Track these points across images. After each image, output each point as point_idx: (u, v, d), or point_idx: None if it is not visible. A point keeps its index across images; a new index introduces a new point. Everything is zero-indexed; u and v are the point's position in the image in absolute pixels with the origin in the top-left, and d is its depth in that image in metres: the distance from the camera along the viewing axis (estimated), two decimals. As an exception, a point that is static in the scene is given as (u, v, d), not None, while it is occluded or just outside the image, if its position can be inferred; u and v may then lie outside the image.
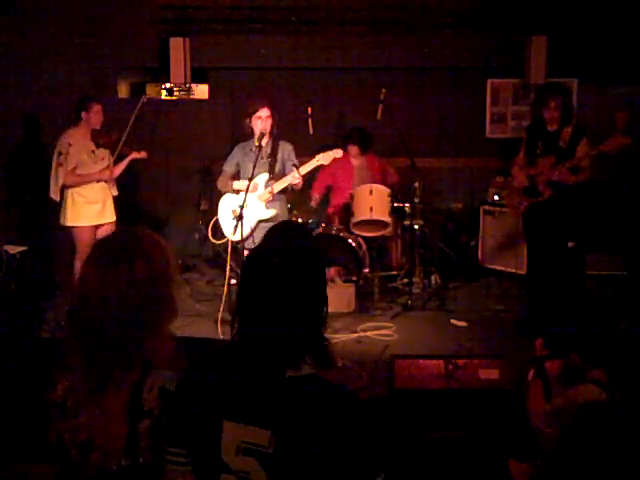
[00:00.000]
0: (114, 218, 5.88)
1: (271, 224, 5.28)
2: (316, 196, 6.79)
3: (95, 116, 5.74)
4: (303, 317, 1.64)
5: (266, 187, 5.26)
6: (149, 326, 1.84)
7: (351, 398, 1.64)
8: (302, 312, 1.64)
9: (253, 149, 5.24)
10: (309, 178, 5.73)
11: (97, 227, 5.76)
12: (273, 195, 5.27)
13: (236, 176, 5.46)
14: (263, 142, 5.15)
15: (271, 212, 5.30)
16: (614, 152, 5.18)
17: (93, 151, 5.78)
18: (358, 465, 1.57)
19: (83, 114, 5.74)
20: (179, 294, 1.69)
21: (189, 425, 1.65)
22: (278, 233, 1.82)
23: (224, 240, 5.49)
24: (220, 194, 5.51)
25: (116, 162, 5.90)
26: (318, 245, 1.68)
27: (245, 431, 1.59)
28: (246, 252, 5.18)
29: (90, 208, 5.78)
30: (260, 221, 5.29)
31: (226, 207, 5.41)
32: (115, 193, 5.98)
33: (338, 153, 5.40)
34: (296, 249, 1.71)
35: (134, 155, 5.91)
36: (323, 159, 5.31)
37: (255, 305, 1.64)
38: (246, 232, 5.18)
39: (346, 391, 1.66)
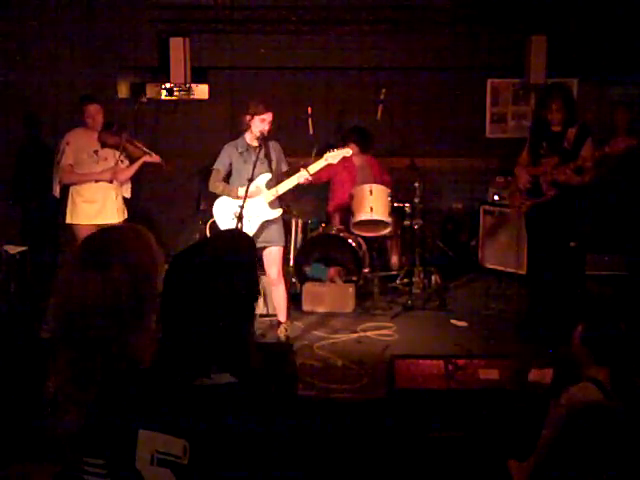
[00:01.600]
0: (118, 219, 5.76)
1: (271, 223, 5.35)
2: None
3: (90, 118, 5.71)
4: (222, 323, 1.58)
5: (268, 187, 5.24)
6: (132, 324, 1.84)
7: (266, 410, 1.57)
8: (221, 317, 1.58)
9: (250, 150, 5.23)
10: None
11: (98, 227, 5.71)
12: (277, 196, 5.27)
13: (227, 176, 5.39)
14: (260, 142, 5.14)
15: (276, 212, 5.29)
16: (620, 153, 5.18)
17: (96, 151, 5.75)
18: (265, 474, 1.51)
19: (81, 116, 5.74)
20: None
21: (106, 435, 1.61)
22: (219, 240, 1.79)
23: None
24: (216, 195, 5.46)
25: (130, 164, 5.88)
26: (254, 255, 1.61)
27: (160, 440, 1.55)
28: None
29: (88, 207, 5.76)
30: (265, 221, 5.28)
31: (224, 207, 5.37)
32: (127, 195, 5.96)
33: (347, 152, 5.36)
34: (223, 251, 1.66)
35: (146, 158, 5.83)
36: (332, 158, 5.27)
37: (175, 309, 1.61)
38: (250, 233, 5.17)
39: (262, 403, 1.59)
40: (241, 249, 1.72)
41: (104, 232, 1.98)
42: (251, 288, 1.68)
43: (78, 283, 1.83)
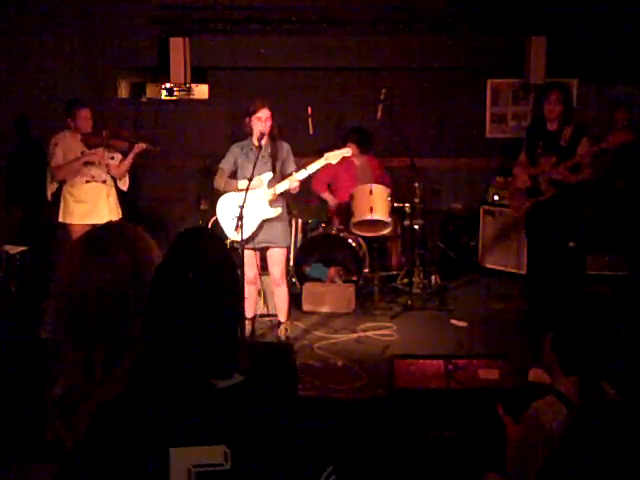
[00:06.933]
0: (109, 219, 5.74)
1: (275, 223, 5.34)
2: (325, 194, 6.83)
3: (82, 122, 5.74)
4: (219, 329, 1.58)
5: (270, 186, 5.24)
6: (136, 310, 1.84)
7: (286, 397, 1.63)
8: (217, 324, 1.58)
9: (253, 149, 5.23)
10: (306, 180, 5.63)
11: (90, 227, 5.71)
12: (276, 195, 5.27)
13: (232, 175, 5.40)
14: (262, 142, 5.14)
15: (276, 211, 5.28)
16: (617, 146, 5.19)
17: (83, 152, 5.80)
18: (304, 462, 1.56)
19: (69, 121, 5.75)
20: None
21: (130, 463, 1.49)
22: (189, 242, 1.77)
23: (227, 241, 5.42)
24: (219, 193, 5.48)
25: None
26: (229, 254, 1.61)
27: (194, 453, 1.49)
28: (247, 252, 5.17)
29: (78, 207, 5.82)
30: (265, 220, 5.28)
31: (226, 207, 5.38)
32: (124, 188, 6.00)
33: (347, 152, 5.36)
34: (209, 262, 1.63)
35: (135, 149, 5.85)
36: (332, 158, 5.27)
37: (168, 321, 1.58)
38: (250, 231, 5.17)
39: (279, 391, 1.63)
40: (217, 247, 1.71)
41: (103, 227, 2.02)
42: (235, 284, 1.68)
43: (82, 271, 1.83)
